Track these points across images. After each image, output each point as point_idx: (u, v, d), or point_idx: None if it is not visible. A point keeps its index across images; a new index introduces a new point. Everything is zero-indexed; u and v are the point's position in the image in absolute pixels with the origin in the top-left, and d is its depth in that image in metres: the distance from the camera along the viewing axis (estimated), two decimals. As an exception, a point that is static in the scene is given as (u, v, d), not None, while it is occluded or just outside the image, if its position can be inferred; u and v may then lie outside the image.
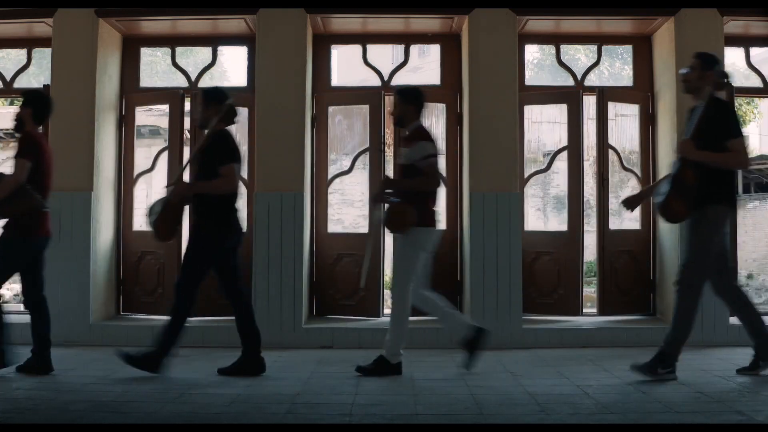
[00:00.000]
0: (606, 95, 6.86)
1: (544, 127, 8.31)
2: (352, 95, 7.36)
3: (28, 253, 4.99)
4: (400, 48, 7.28)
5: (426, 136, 5.06)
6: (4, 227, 4.99)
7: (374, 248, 6.73)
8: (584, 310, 6.82)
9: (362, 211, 7.59)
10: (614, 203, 6.76)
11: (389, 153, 5.94)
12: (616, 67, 20.07)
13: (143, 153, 7.39)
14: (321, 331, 6.41)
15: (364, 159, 6.93)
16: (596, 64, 7.29)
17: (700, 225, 4.72)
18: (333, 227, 7.31)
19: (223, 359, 5.22)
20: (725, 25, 6.50)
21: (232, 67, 39.38)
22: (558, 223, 9.48)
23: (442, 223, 6.07)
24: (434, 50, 7.70)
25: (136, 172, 7.04)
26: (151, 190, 10.69)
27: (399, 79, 7.06)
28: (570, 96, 6.92)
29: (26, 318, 5.10)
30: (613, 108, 6.96)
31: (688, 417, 3.84)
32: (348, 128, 8.57)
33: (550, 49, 10.79)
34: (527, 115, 7.00)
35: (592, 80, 7.42)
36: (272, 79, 6.51)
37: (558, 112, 7.15)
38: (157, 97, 7.25)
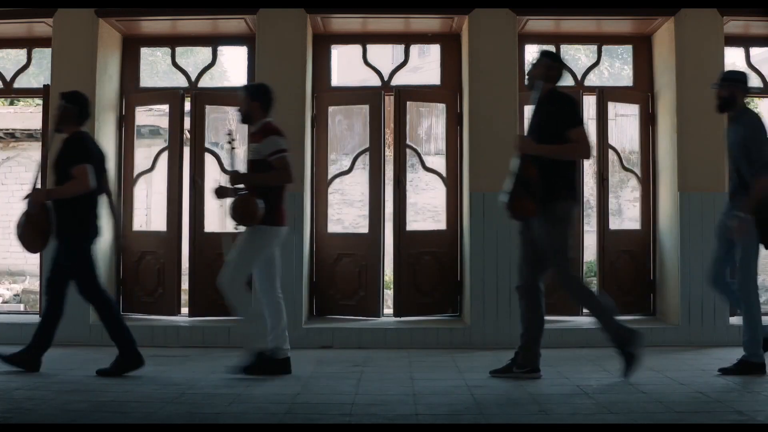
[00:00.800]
0: (606, 95, 6.86)
1: (544, 126, 8.28)
2: (352, 95, 7.37)
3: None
4: (400, 48, 7.28)
5: (276, 131, 5.01)
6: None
7: (374, 248, 6.76)
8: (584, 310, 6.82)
9: (362, 211, 7.57)
10: (614, 203, 6.76)
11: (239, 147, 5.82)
12: (616, 67, 20.03)
13: (143, 153, 7.39)
14: (321, 331, 6.41)
15: (364, 159, 6.93)
16: (596, 64, 7.28)
17: (553, 225, 4.67)
18: (333, 227, 7.30)
19: (223, 359, 5.22)
20: (725, 25, 6.50)
21: (232, 67, 39.43)
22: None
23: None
24: (434, 50, 7.70)
25: (136, 172, 7.02)
26: (151, 190, 10.68)
27: (399, 79, 7.06)
28: (570, 96, 6.91)
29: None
30: (613, 108, 6.95)
31: (688, 417, 3.84)
32: (348, 128, 8.57)
33: (550, 49, 10.75)
34: (527, 115, 6.99)
35: (592, 80, 7.40)
36: (272, 79, 6.47)
37: (558, 112, 7.14)
38: (157, 97, 7.26)
